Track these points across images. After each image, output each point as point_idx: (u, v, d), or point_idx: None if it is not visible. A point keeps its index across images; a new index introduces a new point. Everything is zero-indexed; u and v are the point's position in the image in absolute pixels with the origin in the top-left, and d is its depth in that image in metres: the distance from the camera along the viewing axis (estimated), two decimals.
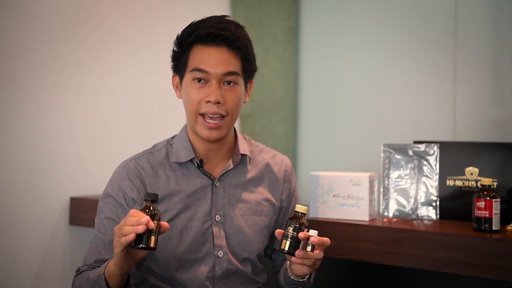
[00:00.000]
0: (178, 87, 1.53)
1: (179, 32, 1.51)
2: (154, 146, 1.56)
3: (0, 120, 2.03)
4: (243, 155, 1.56)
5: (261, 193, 1.57)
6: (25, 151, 2.09)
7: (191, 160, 1.50)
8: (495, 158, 1.76)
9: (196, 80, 1.45)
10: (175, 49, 1.51)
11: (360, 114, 2.86)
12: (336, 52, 2.96)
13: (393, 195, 1.85)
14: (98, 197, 2.21)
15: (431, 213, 1.81)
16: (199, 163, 1.50)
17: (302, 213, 1.34)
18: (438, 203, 1.81)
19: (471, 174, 1.79)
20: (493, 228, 1.58)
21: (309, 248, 1.31)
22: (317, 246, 1.33)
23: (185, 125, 1.56)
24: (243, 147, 1.57)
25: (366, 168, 2.14)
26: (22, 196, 2.08)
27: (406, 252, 1.62)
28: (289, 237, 1.32)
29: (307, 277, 1.46)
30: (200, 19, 1.51)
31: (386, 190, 1.86)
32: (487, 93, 2.52)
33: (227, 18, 1.50)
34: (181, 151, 1.51)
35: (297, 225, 1.32)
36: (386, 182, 1.86)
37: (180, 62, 1.49)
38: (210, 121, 1.45)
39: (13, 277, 2.05)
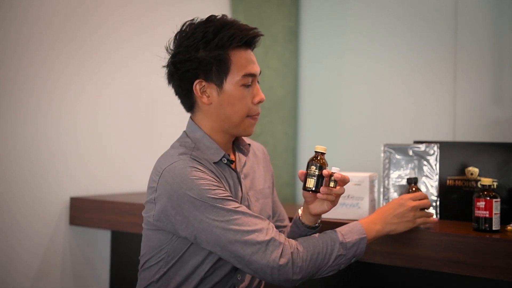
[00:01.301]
0: (204, 93, 1.47)
1: (199, 36, 1.44)
2: (180, 146, 1.49)
3: (0, 120, 2.03)
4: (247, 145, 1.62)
5: (261, 177, 1.63)
6: (25, 151, 2.09)
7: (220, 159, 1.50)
8: (495, 158, 1.76)
9: (245, 85, 1.46)
10: (201, 55, 1.44)
11: (360, 114, 2.86)
12: (336, 52, 2.96)
13: (393, 195, 1.85)
14: (98, 197, 2.21)
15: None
16: (229, 159, 1.51)
17: (322, 152, 1.45)
18: (438, 203, 1.81)
19: (471, 174, 1.79)
20: (493, 228, 1.58)
21: (332, 184, 1.42)
22: (339, 182, 1.43)
23: (195, 126, 1.51)
24: (245, 138, 1.62)
25: (366, 168, 2.14)
26: (22, 196, 2.08)
27: (406, 252, 1.62)
28: (313, 176, 1.42)
29: (319, 224, 1.54)
30: (206, 20, 1.46)
31: (386, 190, 1.86)
32: (487, 93, 2.52)
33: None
34: (207, 151, 1.49)
35: (319, 164, 1.42)
36: (386, 182, 1.86)
37: (214, 67, 1.44)
38: (255, 118, 1.50)
39: (13, 277, 2.05)
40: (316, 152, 1.45)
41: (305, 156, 3.04)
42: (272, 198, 1.69)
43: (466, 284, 1.76)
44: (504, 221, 1.65)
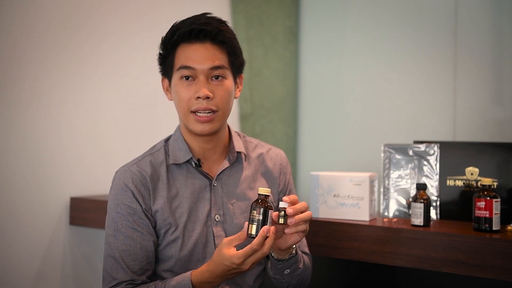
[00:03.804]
0: (168, 89, 1.53)
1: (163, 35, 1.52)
2: (153, 147, 1.56)
3: (0, 120, 2.03)
4: (238, 153, 1.56)
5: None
6: (25, 151, 2.09)
7: (188, 161, 1.50)
8: (495, 158, 1.76)
9: (184, 78, 1.45)
10: (161, 52, 1.52)
11: (360, 114, 2.86)
12: (336, 52, 2.96)
13: (393, 195, 1.85)
14: (98, 197, 2.21)
15: (431, 213, 1.80)
16: (197, 163, 1.49)
17: (265, 195, 1.33)
18: (438, 203, 1.81)
19: (471, 174, 1.79)
20: (493, 228, 1.58)
21: (281, 221, 1.33)
22: (292, 216, 1.33)
23: (179, 126, 1.55)
24: (238, 145, 1.56)
25: (366, 168, 2.14)
26: (22, 196, 2.08)
27: (406, 252, 1.62)
28: (254, 221, 1.31)
29: (293, 255, 1.44)
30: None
31: (386, 190, 1.86)
32: (487, 93, 2.52)
33: (209, 15, 1.50)
34: (178, 152, 1.50)
35: (262, 208, 1.31)
36: (386, 182, 1.86)
37: (167, 64, 1.50)
38: (201, 114, 1.45)
39: (13, 277, 2.05)
40: (259, 194, 1.33)
41: (305, 156, 3.05)
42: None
43: (466, 284, 1.76)
44: (504, 221, 1.65)
